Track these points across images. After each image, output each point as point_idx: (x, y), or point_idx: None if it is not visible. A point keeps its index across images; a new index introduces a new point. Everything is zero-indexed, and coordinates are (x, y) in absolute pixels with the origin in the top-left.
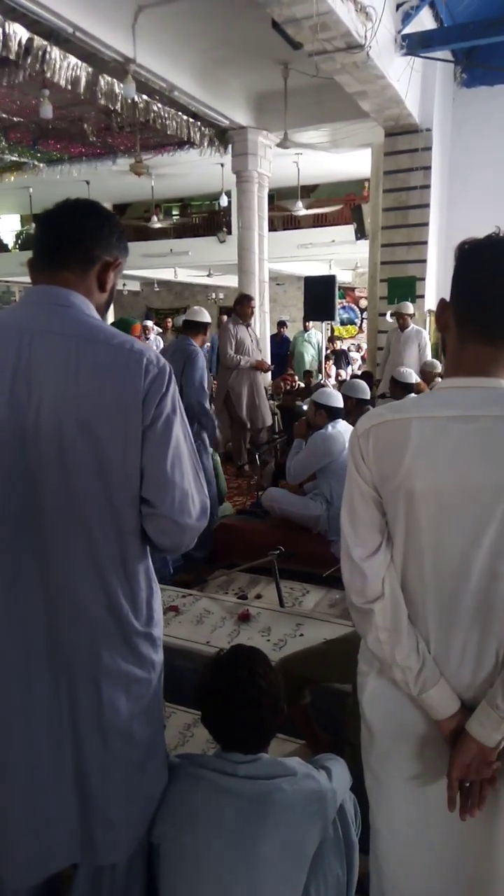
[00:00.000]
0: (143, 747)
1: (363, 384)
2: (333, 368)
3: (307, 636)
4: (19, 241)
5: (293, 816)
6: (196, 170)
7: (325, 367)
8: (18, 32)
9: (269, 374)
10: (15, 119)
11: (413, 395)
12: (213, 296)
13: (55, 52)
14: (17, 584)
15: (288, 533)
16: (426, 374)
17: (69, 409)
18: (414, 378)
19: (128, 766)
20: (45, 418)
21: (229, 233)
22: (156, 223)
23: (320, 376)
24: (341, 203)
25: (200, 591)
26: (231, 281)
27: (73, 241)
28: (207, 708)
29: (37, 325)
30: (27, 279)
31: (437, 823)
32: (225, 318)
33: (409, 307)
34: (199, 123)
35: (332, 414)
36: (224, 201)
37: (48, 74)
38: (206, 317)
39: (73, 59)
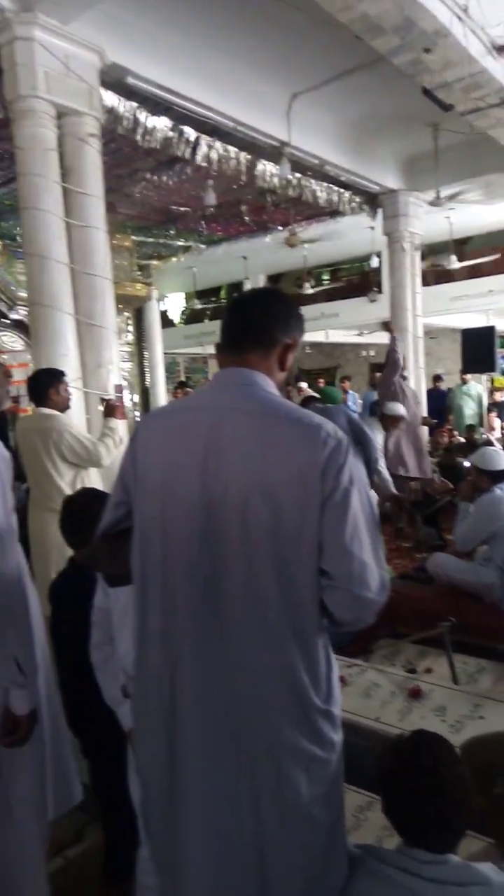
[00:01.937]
0: (324, 834)
1: None
2: (497, 421)
3: (489, 720)
4: (184, 317)
5: None
6: (346, 235)
7: (488, 420)
8: (188, 132)
9: (428, 430)
10: (182, 209)
11: None
12: (364, 353)
13: (217, 146)
14: (204, 652)
15: (457, 601)
16: None
17: (253, 482)
18: None
19: (308, 854)
20: (231, 491)
21: (380, 292)
22: (308, 289)
23: (482, 430)
24: (498, 253)
25: (366, 662)
26: (382, 338)
27: (258, 325)
28: (388, 798)
29: (225, 404)
30: (191, 351)
31: None
32: (378, 375)
33: None
34: (349, 192)
35: (496, 477)
36: (375, 262)
37: (212, 166)
38: None
39: (233, 150)
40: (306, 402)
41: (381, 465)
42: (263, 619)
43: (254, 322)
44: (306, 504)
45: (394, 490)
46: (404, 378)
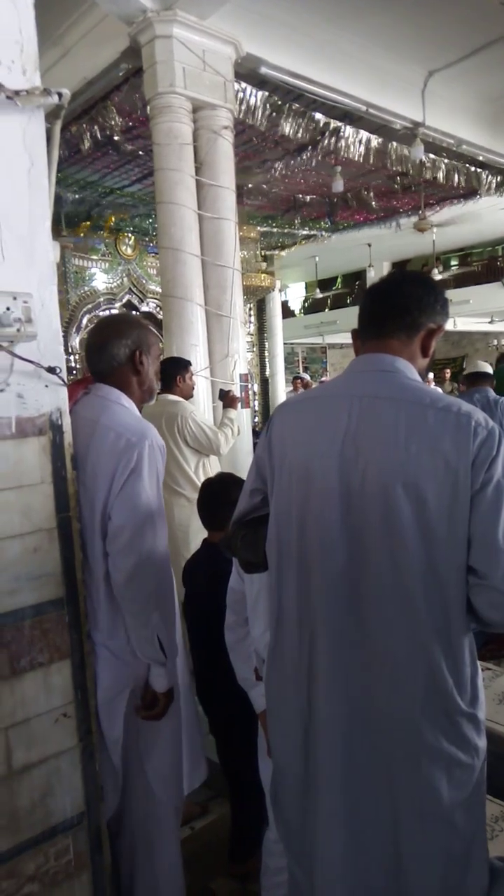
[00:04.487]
0: (466, 841)
1: None
2: None
3: None
4: (304, 307)
5: None
6: (479, 218)
7: None
8: (318, 119)
9: None
10: (308, 197)
11: None
12: (495, 342)
13: (348, 131)
14: (341, 643)
15: None
16: None
17: (396, 473)
18: None
19: (448, 861)
20: (371, 481)
21: None
22: (436, 275)
23: None
24: None
25: (497, 666)
26: None
27: (402, 309)
28: None
29: (365, 391)
30: (309, 341)
31: None
32: None
33: None
34: (487, 172)
35: None
36: None
37: (342, 152)
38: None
39: (364, 134)
40: (472, 379)
41: None
42: (405, 616)
43: (397, 305)
44: (454, 498)
45: None
46: None
